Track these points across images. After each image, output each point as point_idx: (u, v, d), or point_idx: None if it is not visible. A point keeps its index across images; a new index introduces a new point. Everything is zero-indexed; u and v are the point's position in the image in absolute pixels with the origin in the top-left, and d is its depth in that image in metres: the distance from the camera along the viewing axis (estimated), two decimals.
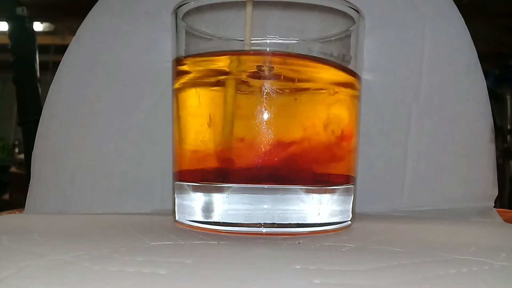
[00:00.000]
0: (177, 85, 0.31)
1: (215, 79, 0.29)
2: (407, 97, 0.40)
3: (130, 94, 0.39)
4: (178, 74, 0.30)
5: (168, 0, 0.31)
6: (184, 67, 0.30)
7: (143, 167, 0.39)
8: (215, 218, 0.27)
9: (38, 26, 2.61)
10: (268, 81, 0.26)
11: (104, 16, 0.39)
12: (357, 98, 0.31)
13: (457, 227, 0.32)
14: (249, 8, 0.27)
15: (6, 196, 2.10)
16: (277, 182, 0.26)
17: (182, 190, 0.29)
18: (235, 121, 0.28)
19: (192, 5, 0.29)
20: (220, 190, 0.27)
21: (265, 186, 0.26)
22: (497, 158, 0.40)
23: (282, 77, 0.27)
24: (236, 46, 0.31)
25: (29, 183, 0.38)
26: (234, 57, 0.28)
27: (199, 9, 0.30)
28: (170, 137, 0.32)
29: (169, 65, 0.32)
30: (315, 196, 0.27)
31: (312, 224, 0.27)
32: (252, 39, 0.29)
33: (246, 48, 0.28)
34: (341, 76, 0.30)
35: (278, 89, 0.26)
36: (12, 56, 0.60)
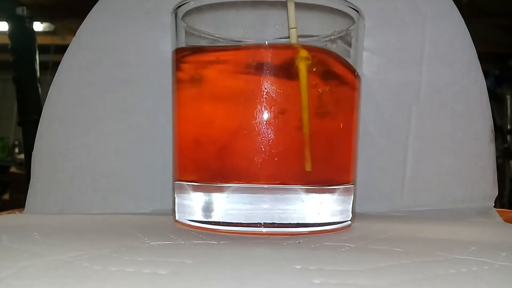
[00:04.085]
0: (177, 84, 0.31)
1: (215, 78, 0.29)
2: (407, 97, 0.40)
3: (130, 94, 0.39)
4: (178, 72, 0.30)
5: (168, 0, 0.31)
6: (185, 65, 0.30)
7: (143, 167, 0.39)
8: (215, 218, 0.27)
9: (38, 26, 2.61)
10: (269, 80, 0.26)
11: (104, 16, 0.39)
12: (357, 97, 0.31)
13: (457, 227, 0.32)
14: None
15: (6, 196, 2.10)
16: (277, 181, 0.26)
17: (182, 190, 0.29)
18: (237, 120, 0.28)
19: (192, 5, 0.29)
20: (220, 189, 0.27)
21: (265, 185, 0.26)
22: (497, 158, 0.40)
23: (283, 76, 0.27)
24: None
25: (29, 183, 0.38)
26: (238, 51, 0.28)
27: (199, 9, 0.30)
28: (170, 137, 0.32)
29: (169, 65, 0.32)
30: (315, 196, 0.27)
31: (312, 224, 0.27)
32: (251, 39, 0.29)
33: (292, 36, 0.27)
34: (341, 76, 0.30)
35: (279, 89, 0.26)
36: (12, 56, 0.60)
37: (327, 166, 0.29)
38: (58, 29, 2.70)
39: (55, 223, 0.30)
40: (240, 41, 0.29)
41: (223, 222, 0.27)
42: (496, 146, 0.40)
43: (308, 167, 0.26)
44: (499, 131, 2.09)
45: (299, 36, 0.29)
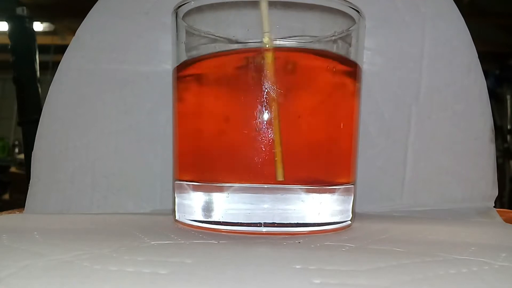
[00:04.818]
0: (177, 84, 0.31)
1: (215, 78, 0.29)
2: (407, 97, 0.40)
3: (130, 95, 0.39)
4: (179, 72, 0.30)
5: (168, 0, 0.31)
6: (185, 66, 0.30)
7: (143, 167, 0.39)
8: (215, 218, 0.27)
9: (38, 26, 2.61)
10: (269, 80, 0.26)
11: (104, 16, 0.39)
12: (357, 97, 0.31)
13: (457, 227, 0.32)
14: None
15: (6, 196, 2.11)
16: (277, 181, 0.26)
17: (182, 190, 0.29)
18: (236, 120, 0.28)
19: (192, 5, 0.29)
20: (220, 189, 0.27)
21: (265, 185, 0.26)
22: (497, 158, 0.40)
23: (283, 76, 0.27)
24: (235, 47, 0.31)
25: (29, 183, 0.38)
26: (236, 55, 0.28)
27: (199, 9, 0.30)
28: (170, 137, 0.32)
29: (169, 65, 0.32)
30: (315, 196, 0.27)
31: (312, 224, 0.27)
32: (251, 41, 0.29)
33: (265, 40, 0.27)
34: (342, 76, 0.30)
35: (279, 89, 0.26)
36: (12, 56, 0.59)
37: (327, 166, 0.29)
38: (58, 29, 2.70)
39: (55, 223, 0.30)
40: (239, 42, 0.29)
41: (223, 221, 0.27)
42: (496, 146, 0.40)
43: (280, 176, 0.26)
44: (499, 131, 2.10)
45: (300, 37, 0.29)
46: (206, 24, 0.30)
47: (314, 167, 0.28)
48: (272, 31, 0.28)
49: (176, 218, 0.30)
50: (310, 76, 0.28)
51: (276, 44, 0.27)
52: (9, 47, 0.60)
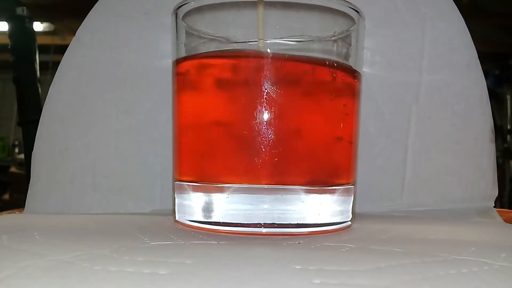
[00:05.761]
0: (177, 84, 0.31)
1: (216, 79, 0.29)
2: (407, 97, 0.40)
3: (130, 94, 0.39)
4: (179, 73, 0.30)
5: (168, 0, 0.31)
6: (185, 66, 0.30)
7: (143, 167, 0.39)
8: (215, 218, 0.27)
9: (38, 26, 2.61)
10: (269, 81, 0.26)
11: (104, 16, 0.39)
12: (357, 97, 0.31)
13: (457, 227, 0.32)
14: (260, 8, 0.28)
15: (6, 196, 2.11)
16: (277, 182, 0.26)
17: (182, 190, 0.29)
18: (236, 121, 0.28)
19: (192, 5, 0.29)
20: (220, 190, 0.27)
21: (265, 186, 0.26)
22: (497, 158, 0.40)
23: (283, 77, 0.27)
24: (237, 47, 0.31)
25: (29, 183, 0.38)
26: (235, 58, 0.29)
27: (199, 9, 0.30)
28: (170, 137, 0.32)
29: (169, 65, 0.32)
30: (315, 196, 0.27)
31: (312, 224, 0.27)
32: (251, 41, 0.29)
33: (260, 45, 0.28)
34: (341, 76, 0.30)
35: (279, 90, 0.26)
36: (12, 56, 0.60)
37: (327, 166, 0.29)
38: (58, 29, 2.71)
39: (55, 223, 0.30)
40: (239, 42, 0.29)
41: (223, 222, 0.27)
42: (496, 146, 0.40)
43: None
44: (499, 131, 2.10)
45: (300, 36, 0.29)
46: (206, 24, 0.30)
47: (314, 167, 0.28)
48: (270, 34, 0.28)
49: (176, 219, 0.30)
50: (310, 76, 0.28)
51: (273, 48, 0.27)
52: (9, 47, 0.60)
